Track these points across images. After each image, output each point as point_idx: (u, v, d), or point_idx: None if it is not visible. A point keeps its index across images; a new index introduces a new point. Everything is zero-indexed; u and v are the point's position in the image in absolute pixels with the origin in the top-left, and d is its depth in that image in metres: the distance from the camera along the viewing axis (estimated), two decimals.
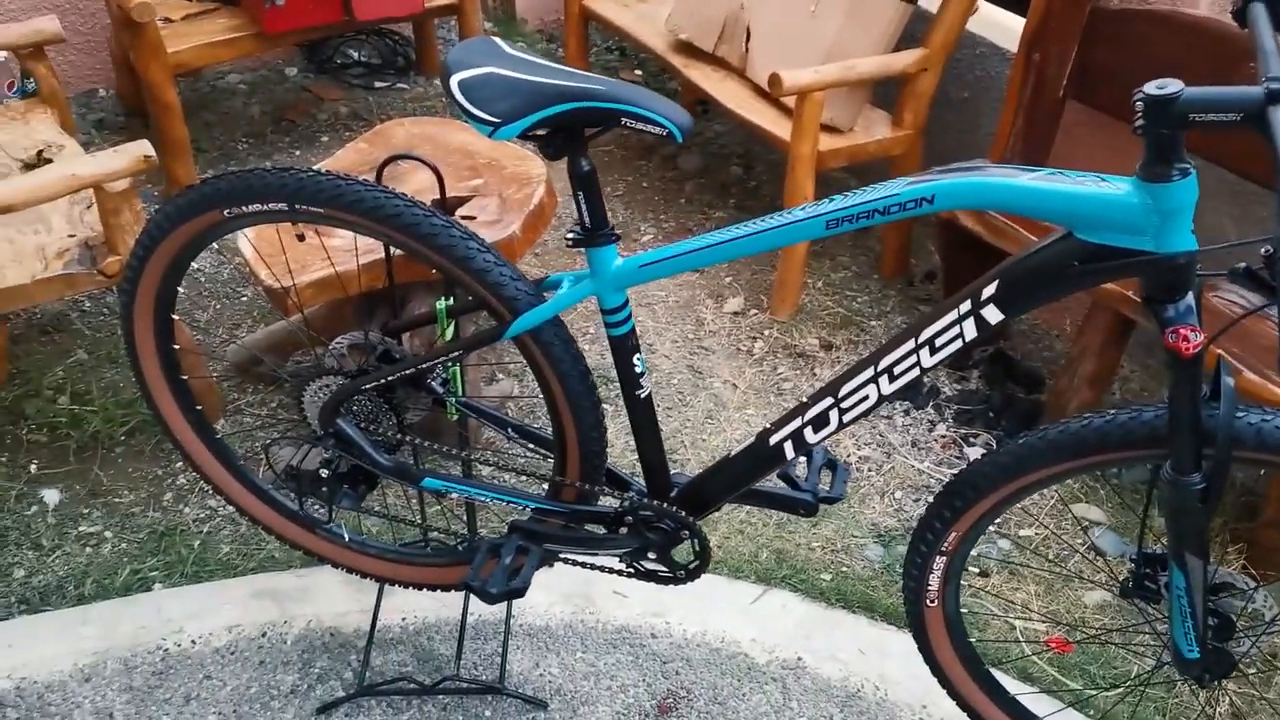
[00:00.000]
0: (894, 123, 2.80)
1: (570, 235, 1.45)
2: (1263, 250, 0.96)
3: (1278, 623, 2.02)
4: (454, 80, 1.33)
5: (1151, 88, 1.11)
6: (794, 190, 2.69)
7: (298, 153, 3.57)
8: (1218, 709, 1.89)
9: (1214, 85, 1.10)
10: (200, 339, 2.74)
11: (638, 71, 4.12)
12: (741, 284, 3.03)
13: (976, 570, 2.19)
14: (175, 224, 1.56)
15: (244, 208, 1.51)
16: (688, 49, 3.14)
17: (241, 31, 3.18)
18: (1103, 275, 1.25)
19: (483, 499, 1.70)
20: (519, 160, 2.36)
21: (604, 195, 3.32)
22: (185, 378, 1.80)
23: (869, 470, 2.45)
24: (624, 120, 1.32)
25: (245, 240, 2.05)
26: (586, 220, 1.44)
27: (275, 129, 3.72)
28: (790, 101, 2.65)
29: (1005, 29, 2.82)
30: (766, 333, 2.86)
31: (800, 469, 1.74)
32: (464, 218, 2.20)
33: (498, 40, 1.39)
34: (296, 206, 1.49)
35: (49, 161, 2.47)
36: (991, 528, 2.17)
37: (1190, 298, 1.21)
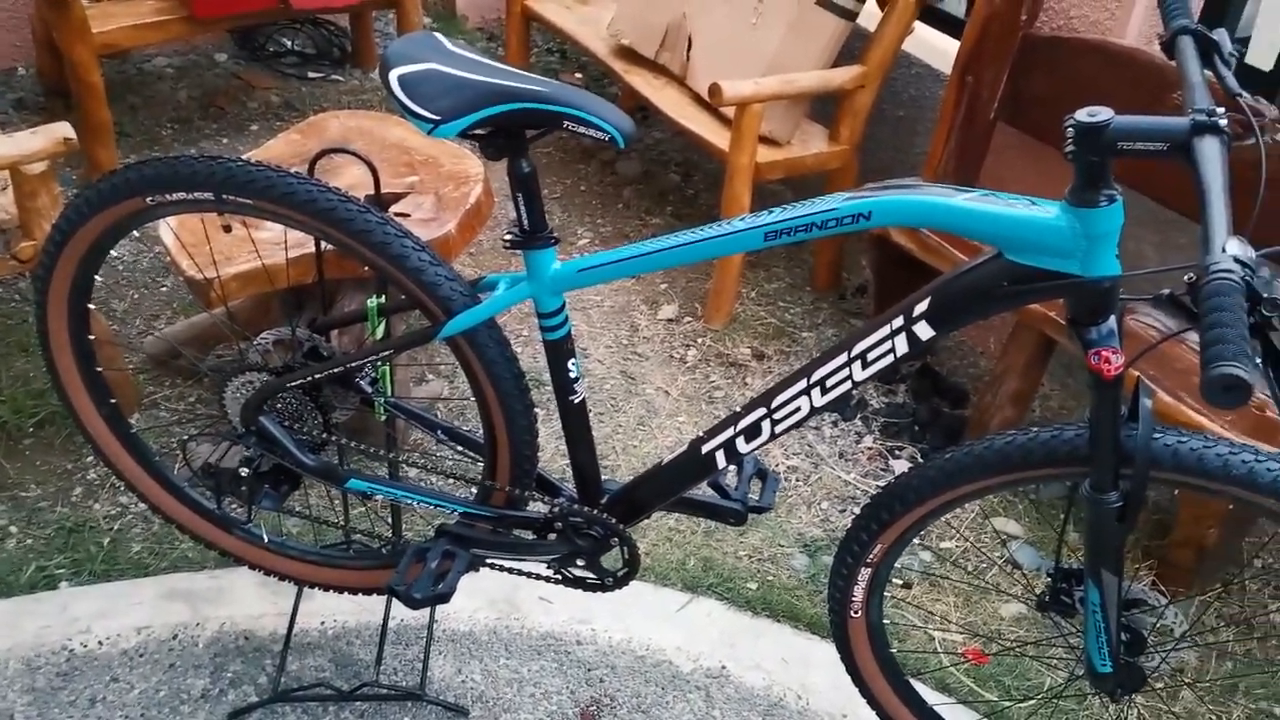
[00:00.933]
0: (831, 137, 2.83)
1: (508, 237, 1.43)
2: (1186, 277, 0.98)
3: (1186, 639, 2.08)
4: (394, 75, 1.30)
5: (1083, 115, 1.13)
6: (731, 200, 2.71)
7: (225, 140, 3.49)
8: None
9: (1140, 113, 1.13)
10: (117, 329, 2.66)
11: (579, 74, 4.10)
12: (676, 291, 3.04)
13: (899, 582, 2.22)
14: (94, 210, 1.50)
15: (167, 196, 1.47)
16: (629, 54, 3.14)
17: (171, 14, 3.09)
18: (1031, 296, 1.27)
19: (409, 502, 1.67)
20: (456, 158, 2.33)
21: (542, 198, 3.30)
22: (100, 369, 1.74)
23: (796, 480, 2.47)
24: (566, 124, 1.31)
25: (167, 229, 1.99)
26: (525, 222, 1.42)
27: (203, 115, 3.63)
28: (730, 112, 2.66)
29: (941, 51, 2.87)
30: (700, 341, 2.87)
31: (731, 478, 1.74)
32: (398, 214, 2.17)
33: (439, 36, 1.37)
34: (224, 196, 1.45)
35: None
36: (915, 540, 2.20)
37: (1113, 321, 1.24)
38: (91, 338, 1.71)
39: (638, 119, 3.82)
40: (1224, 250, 0.95)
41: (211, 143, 3.50)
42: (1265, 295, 0.93)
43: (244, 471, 1.63)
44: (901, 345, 1.35)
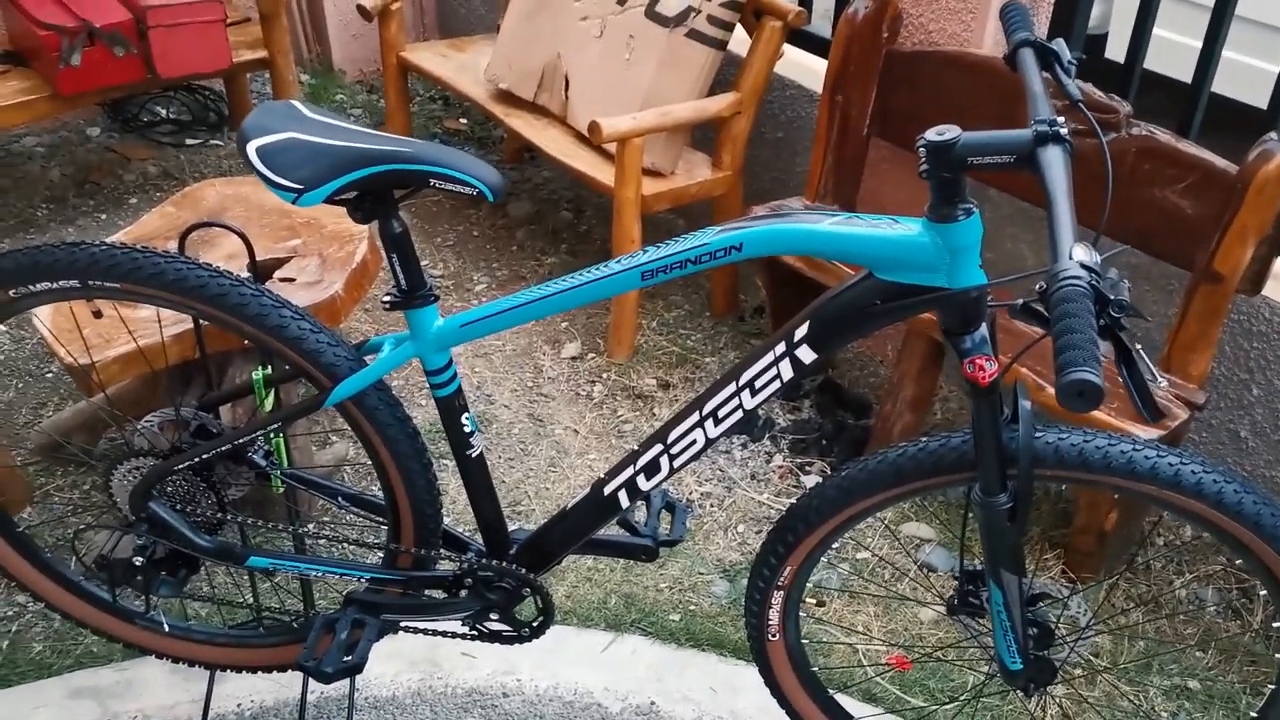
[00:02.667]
0: (714, 165, 2.87)
1: (387, 299, 1.42)
2: (1037, 286, 1.02)
3: (1092, 627, 2.14)
4: (251, 147, 1.29)
5: (932, 134, 1.17)
6: (621, 235, 2.73)
7: (104, 216, 3.40)
8: (1048, 713, 1.99)
9: (999, 119, 1.17)
10: (0, 423, 2.56)
11: (463, 120, 4.10)
12: (578, 329, 3.04)
13: (813, 601, 2.24)
14: None
15: (31, 287, 1.42)
16: (509, 98, 3.15)
17: (33, 94, 3.01)
18: (904, 311, 1.31)
19: (314, 573, 1.63)
20: (339, 218, 2.30)
21: (435, 246, 3.28)
22: None
23: (711, 506, 2.48)
24: (433, 182, 1.31)
25: (38, 319, 1.93)
26: (403, 282, 1.41)
27: (79, 193, 3.53)
28: (612, 148, 2.68)
29: (814, 72, 2.94)
30: (605, 375, 2.87)
31: (640, 514, 1.74)
32: (282, 280, 2.13)
33: (297, 103, 1.36)
34: (90, 283, 1.41)
35: None
36: (826, 556, 2.23)
37: (984, 329, 1.27)
38: None
39: (525, 160, 3.84)
40: (1071, 257, 0.99)
41: (89, 219, 3.40)
42: (1112, 298, 0.97)
43: (138, 560, 1.58)
44: (786, 370, 1.37)
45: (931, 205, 1.22)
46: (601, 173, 2.79)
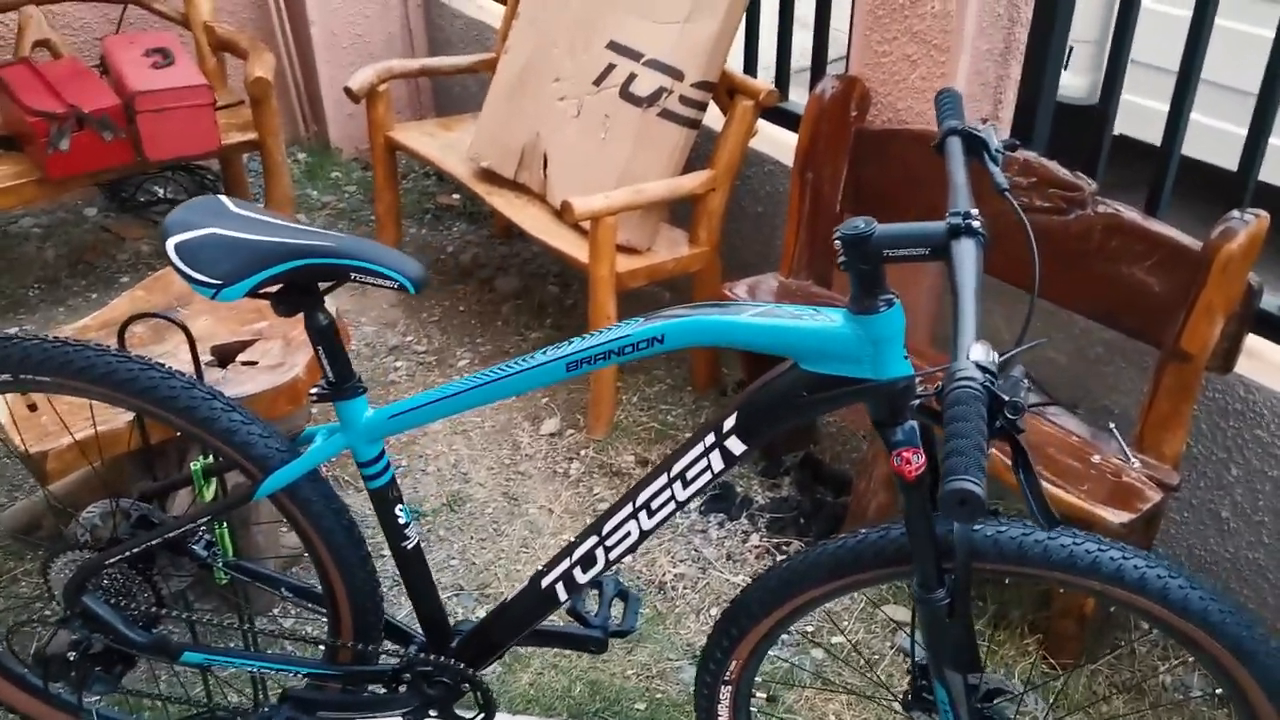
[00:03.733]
0: (690, 240, 2.87)
1: (314, 391, 1.41)
2: (934, 388, 0.99)
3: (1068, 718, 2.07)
4: (170, 243, 1.29)
5: (847, 227, 1.16)
6: (597, 311, 2.72)
7: (95, 296, 3.44)
8: None
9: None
10: None
11: (455, 195, 4.14)
12: (558, 404, 3.03)
13: (763, 696, 2.17)
14: None
15: None
16: (491, 176, 3.17)
17: (23, 178, 3.06)
18: (831, 402, 1.28)
19: (249, 669, 1.60)
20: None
21: (421, 321, 3.28)
22: None
23: (684, 588, 2.43)
24: (353, 275, 1.31)
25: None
26: (330, 374, 1.40)
27: (71, 273, 3.57)
28: (586, 225, 2.69)
29: (791, 148, 2.95)
30: (583, 452, 2.85)
31: (591, 602, 1.71)
32: (245, 363, 2.14)
33: (224, 199, 1.36)
34: (21, 376, 1.42)
35: None
36: (771, 651, 2.18)
37: (912, 421, 1.24)
38: None
39: (514, 235, 3.86)
40: (968, 357, 0.97)
41: (80, 299, 3.44)
42: (1007, 399, 0.94)
43: (71, 655, 1.56)
44: (717, 461, 1.35)
45: (852, 296, 1.20)
46: (579, 250, 2.80)
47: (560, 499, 2.69)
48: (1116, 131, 2.42)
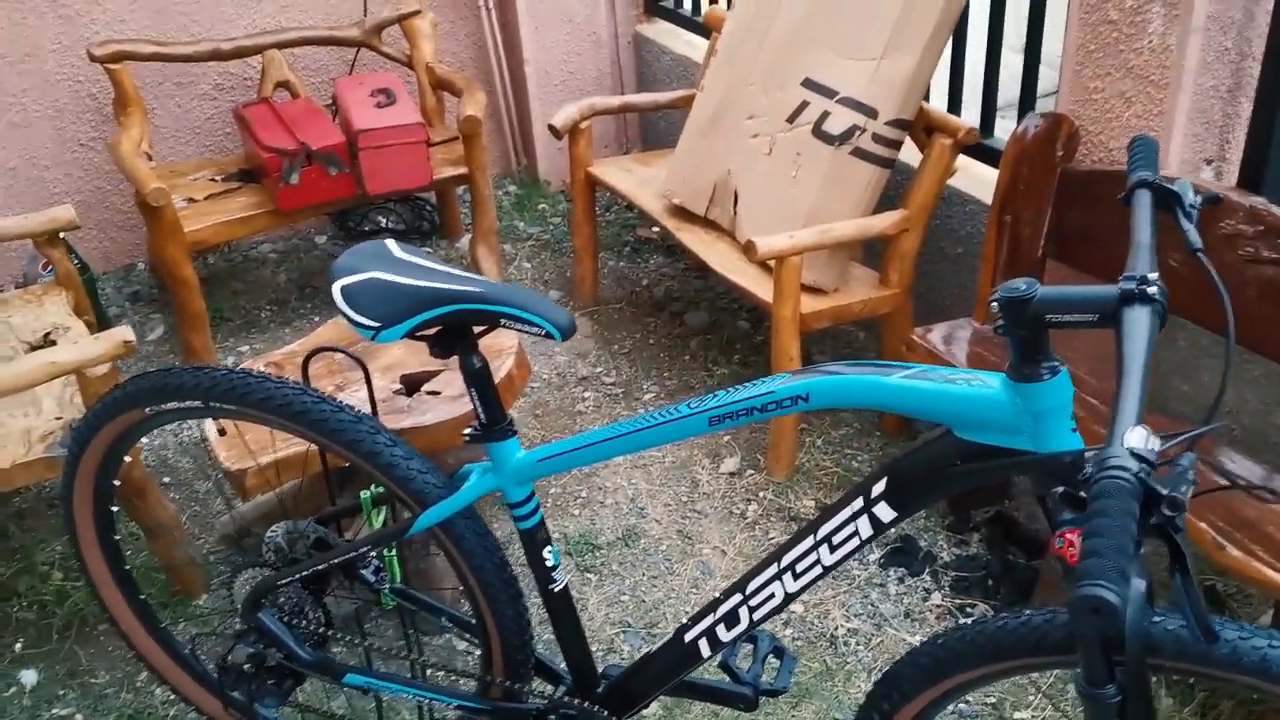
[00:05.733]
0: (881, 282, 2.78)
1: (468, 432, 1.44)
2: (1083, 473, 0.90)
3: None
4: (336, 287, 1.36)
5: (1005, 289, 1.08)
6: (780, 352, 2.67)
7: (317, 319, 3.69)
8: None
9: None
10: (199, 509, 2.79)
11: (655, 229, 4.18)
12: (739, 443, 2.99)
13: None
14: (101, 423, 1.60)
15: (162, 406, 1.55)
16: (683, 212, 3.19)
17: (257, 209, 3.33)
18: (987, 474, 1.19)
19: (405, 695, 1.66)
20: (495, 335, 2.38)
21: (611, 353, 3.31)
22: (128, 568, 1.82)
23: (856, 644, 2.34)
24: (503, 321, 1.33)
25: (205, 429, 2.10)
26: (482, 416, 1.43)
27: (300, 296, 3.85)
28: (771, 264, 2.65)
29: (992, 185, 2.81)
30: (762, 494, 2.80)
31: (744, 658, 1.66)
32: (429, 393, 2.23)
33: (389, 243, 1.43)
34: (210, 404, 1.52)
35: (54, 344, 2.58)
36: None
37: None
38: (117, 538, 1.79)
39: (709, 270, 3.85)
40: (1123, 443, 0.87)
41: (305, 321, 3.70)
42: (1165, 493, 0.84)
43: (247, 667, 1.66)
44: (865, 528, 1.28)
45: (1011, 363, 1.11)
46: (764, 289, 2.76)
47: (735, 541, 2.65)
48: None
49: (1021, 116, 2.74)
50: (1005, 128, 2.94)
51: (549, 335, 1.32)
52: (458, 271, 1.38)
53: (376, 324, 1.33)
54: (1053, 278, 2.45)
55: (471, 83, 3.66)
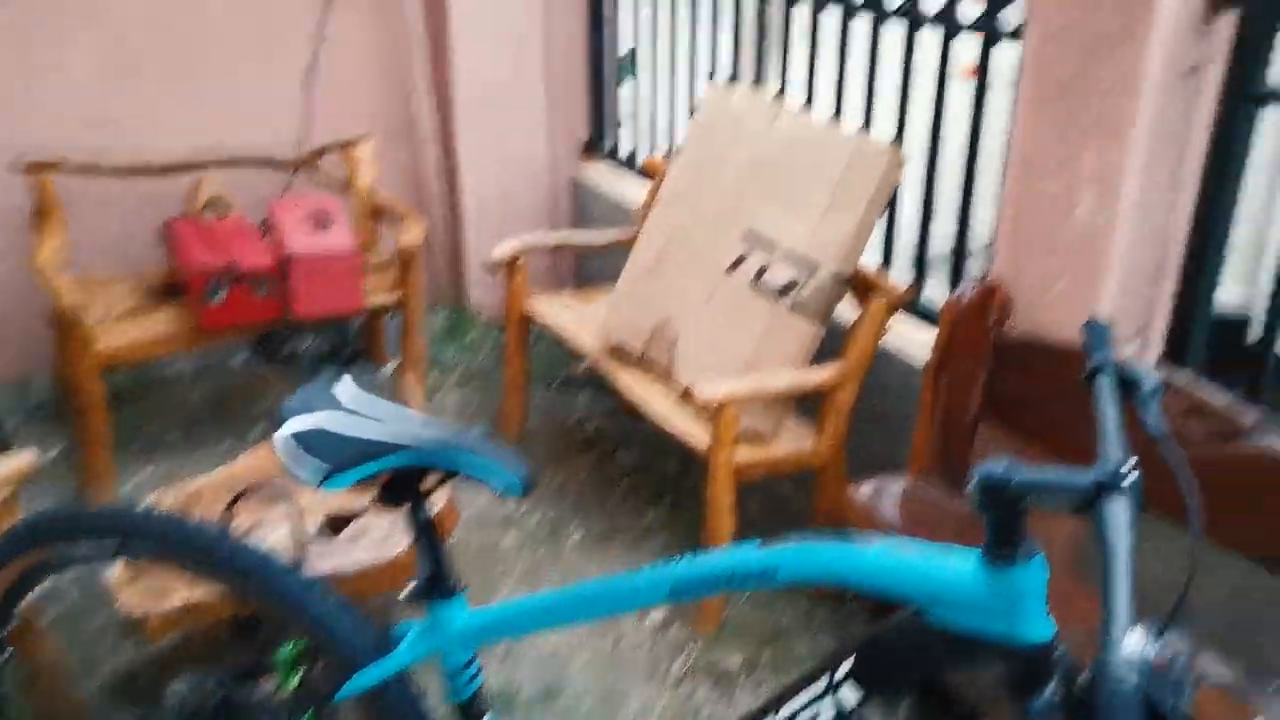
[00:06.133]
0: (816, 435, 2.78)
1: (407, 592, 1.36)
2: (1080, 678, 0.87)
3: None
4: (279, 434, 1.28)
5: (984, 470, 1.06)
6: (715, 502, 2.64)
7: (227, 442, 3.53)
8: None
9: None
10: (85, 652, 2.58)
11: (584, 366, 4.16)
12: None
13: None
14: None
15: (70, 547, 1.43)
16: (620, 352, 3.17)
17: (179, 326, 3.21)
18: (961, 658, 1.16)
19: None
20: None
21: (537, 490, 3.21)
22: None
23: None
24: (460, 474, 1.27)
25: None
26: (425, 571, 1.35)
27: (211, 418, 3.70)
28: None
29: (923, 344, 2.86)
30: (688, 649, 2.71)
31: None
32: (350, 539, 2.12)
33: (340, 387, 1.36)
34: (126, 543, 1.41)
35: None
36: None
37: (1054, 693, 1.10)
38: None
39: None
40: (1122, 650, 0.84)
41: (213, 447, 3.52)
42: (1170, 703, 0.81)
43: None
44: (828, 710, 1.22)
45: (986, 543, 1.09)
46: (699, 436, 2.74)
47: (658, 703, 2.54)
48: None
49: (954, 275, 2.83)
50: (937, 282, 3.03)
51: (507, 489, 1.26)
52: (414, 416, 1.32)
53: (325, 469, 1.26)
54: (986, 436, 2.48)
55: (410, 211, 3.64)
